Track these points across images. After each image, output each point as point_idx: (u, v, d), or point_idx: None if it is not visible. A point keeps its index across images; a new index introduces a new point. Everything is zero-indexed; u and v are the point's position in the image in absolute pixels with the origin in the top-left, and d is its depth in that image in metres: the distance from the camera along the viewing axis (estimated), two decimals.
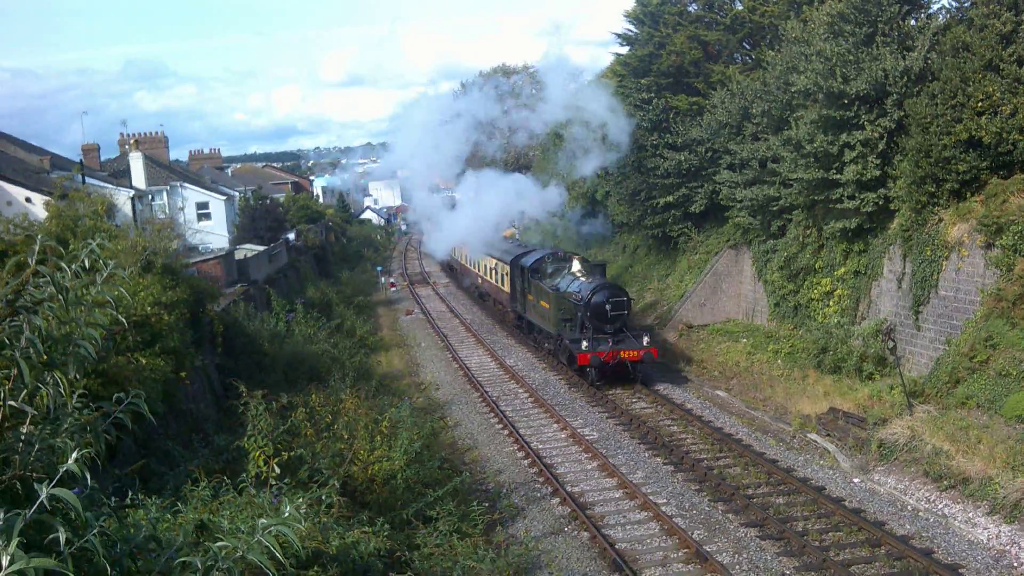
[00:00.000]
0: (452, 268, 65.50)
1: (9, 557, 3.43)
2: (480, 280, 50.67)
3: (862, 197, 28.04)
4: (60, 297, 4.62)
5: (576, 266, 34.13)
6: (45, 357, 4.49)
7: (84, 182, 36.22)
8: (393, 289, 62.11)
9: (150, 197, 49.85)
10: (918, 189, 25.64)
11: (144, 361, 16.45)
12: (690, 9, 42.41)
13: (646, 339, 30.09)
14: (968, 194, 24.75)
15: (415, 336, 43.39)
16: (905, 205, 26.78)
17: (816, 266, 31.49)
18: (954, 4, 28.75)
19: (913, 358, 25.88)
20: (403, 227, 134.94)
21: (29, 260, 4.68)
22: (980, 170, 24.30)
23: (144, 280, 19.39)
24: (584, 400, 29.29)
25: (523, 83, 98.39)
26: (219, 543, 4.55)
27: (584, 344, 29.46)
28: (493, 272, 45.55)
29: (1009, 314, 21.93)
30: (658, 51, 41.26)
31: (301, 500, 10.25)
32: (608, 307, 30.05)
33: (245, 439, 14.15)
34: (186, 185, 55.56)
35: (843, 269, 30.04)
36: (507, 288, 41.46)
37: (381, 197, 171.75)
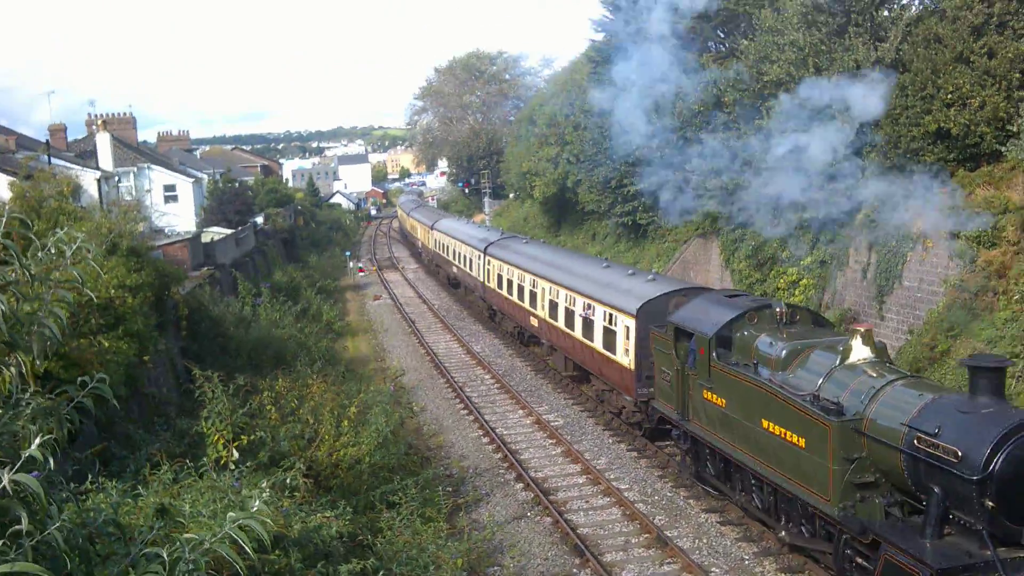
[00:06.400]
0: (457, 283, 49.02)
1: None
2: (544, 325, 30.04)
3: (830, 187, 28.16)
4: (27, 275, 4.53)
5: (861, 349, 14.76)
6: (8, 338, 4.40)
7: (50, 163, 35.74)
8: (362, 274, 61.96)
9: (117, 179, 49.25)
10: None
11: (107, 344, 16.29)
12: None
13: None
14: (934, 186, 24.95)
15: (383, 321, 43.26)
16: (872, 196, 26.94)
17: (783, 255, 31.66)
18: None
19: None
20: (372, 211, 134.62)
21: None
22: (947, 162, 24.52)
23: (109, 262, 19.17)
24: (550, 387, 29.30)
25: (499, 69, 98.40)
26: (186, 535, 4.52)
27: None
28: (588, 327, 25.45)
29: (971, 304, 22.16)
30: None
31: (265, 484, 10.20)
32: None
33: (202, 422, 14.08)
34: (153, 167, 54.93)
35: (809, 259, 30.23)
36: (628, 362, 22.59)
37: (351, 181, 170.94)
